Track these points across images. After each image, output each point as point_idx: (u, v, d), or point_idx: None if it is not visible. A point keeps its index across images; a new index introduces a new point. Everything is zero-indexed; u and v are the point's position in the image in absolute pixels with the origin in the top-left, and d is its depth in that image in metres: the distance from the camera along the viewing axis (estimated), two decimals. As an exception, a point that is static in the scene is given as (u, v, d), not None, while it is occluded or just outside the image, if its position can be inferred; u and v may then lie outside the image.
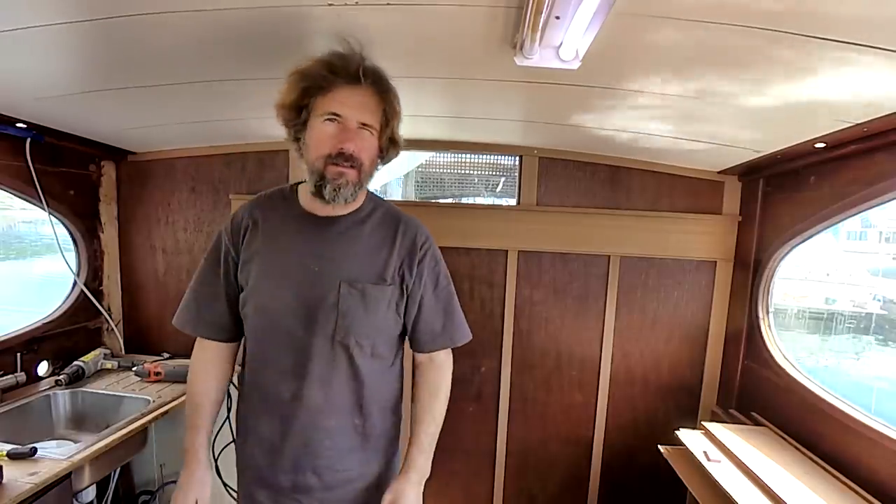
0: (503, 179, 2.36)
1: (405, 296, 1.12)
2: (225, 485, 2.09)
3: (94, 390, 1.83)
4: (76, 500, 1.57)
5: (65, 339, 1.98)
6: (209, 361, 1.17)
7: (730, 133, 1.50)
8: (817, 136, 1.34)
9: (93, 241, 2.09)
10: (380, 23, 0.99)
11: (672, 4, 0.85)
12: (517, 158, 2.06)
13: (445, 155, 2.32)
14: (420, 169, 2.69)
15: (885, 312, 2.38)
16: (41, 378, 1.86)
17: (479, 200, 2.24)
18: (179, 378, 1.87)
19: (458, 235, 2.03)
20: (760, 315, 1.79)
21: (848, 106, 1.15)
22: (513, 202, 2.09)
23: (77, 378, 1.85)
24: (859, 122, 1.19)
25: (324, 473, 1.10)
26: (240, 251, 1.12)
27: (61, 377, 1.81)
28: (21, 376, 1.74)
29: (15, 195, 1.79)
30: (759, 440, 1.56)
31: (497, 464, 2.17)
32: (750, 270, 1.83)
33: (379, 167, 1.11)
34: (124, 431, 1.50)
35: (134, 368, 1.92)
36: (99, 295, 2.12)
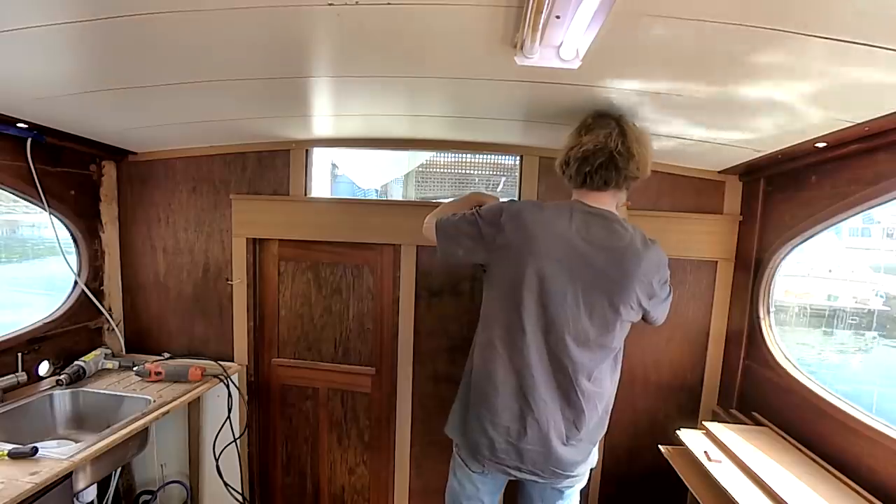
0: (504, 179, 2.36)
1: None
2: (226, 484, 2.09)
3: (95, 390, 1.83)
4: (77, 499, 1.57)
5: (66, 338, 1.98)
6: None
7: (730, 132, 1.49)
8: (818, 135, 1.33)
9: (93, 241, 2.10)
10: (380, 23, 0.99)
11: (672, 3, 0.85)
12: (517, 158, 2.06)
13: (445, 155, 2.31)
14: (420, 169, 2.69)
15: (887, 309, 2.37)
16: (42, 378, 1.87)
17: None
18: (180, 378, 1.87)
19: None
20: (761, 315, 1.78)
21: (847, 104, 1.15)
22: (513, 202, 2.09)
23: (78, 378, 1.86)
24: (860, 121, 1.19)
25: None
26: None
27: (62, 377, 1.82)
28: (22, 376, 1.75)
29: (16, 195, 1.80)
30: (759, 440, 1.56)
31: (498, 463, 2.16)
32: (751, 270, 1.83)
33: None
34: (125, 431, 1.51)
35: (135, 368, 1.93)
36: (100, 295, 2.13)
